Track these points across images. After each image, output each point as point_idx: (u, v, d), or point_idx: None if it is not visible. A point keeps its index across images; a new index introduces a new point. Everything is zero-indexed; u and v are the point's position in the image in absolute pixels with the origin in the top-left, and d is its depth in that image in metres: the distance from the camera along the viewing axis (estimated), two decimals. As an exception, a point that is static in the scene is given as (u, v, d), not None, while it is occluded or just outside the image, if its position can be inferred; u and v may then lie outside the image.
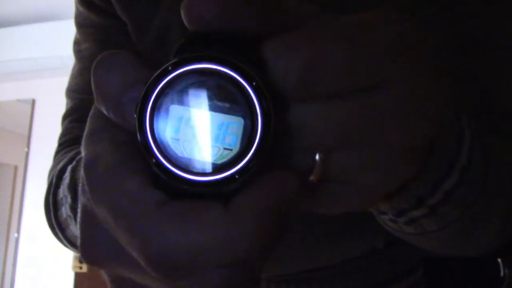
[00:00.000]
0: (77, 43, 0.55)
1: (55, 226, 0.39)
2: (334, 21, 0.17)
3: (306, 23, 0.17)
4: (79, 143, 0.30)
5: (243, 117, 0.16)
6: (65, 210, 0.36)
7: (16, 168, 2.50)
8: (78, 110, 0.51)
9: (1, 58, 2.37)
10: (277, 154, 0.17)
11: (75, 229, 0.36)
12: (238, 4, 0.16)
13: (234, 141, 0.16)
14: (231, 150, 0.16)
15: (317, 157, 0.17)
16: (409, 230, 0.30)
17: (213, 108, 0.16)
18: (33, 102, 2.47)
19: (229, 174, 0.15)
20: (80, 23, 0.54)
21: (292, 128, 0.17)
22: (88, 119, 0.19)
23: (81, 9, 0.53)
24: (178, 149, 0.16)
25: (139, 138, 0.16)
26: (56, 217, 0.38)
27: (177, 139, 0.16)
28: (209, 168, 0.16)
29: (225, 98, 0.16)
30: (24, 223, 2.36)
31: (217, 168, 0.16)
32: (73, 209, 0.34)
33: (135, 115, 0.16)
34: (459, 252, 0.41)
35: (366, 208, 0.22)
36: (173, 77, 0.15)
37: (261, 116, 0.16)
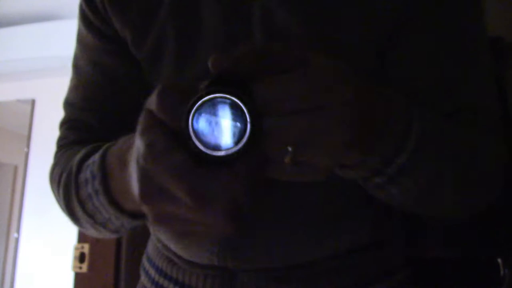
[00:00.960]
0: (75, 58, 0.63)
1: (76, 204, 0.49)
2: (298, 71, 0.30)
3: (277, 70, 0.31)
4: (76, 145, 0.53)
5: (240, 123, 0.29)
6: (87, 189, 0.47)
7: (16, 168, 2.50)
8: (72, 120, 0.60)
9: (1, 58, 2.37)
10: (261, 145, 0.30)
11: (97, 203, 0.46)
12: (239, 61, 0.30)
13: (235, 136, 0.29)
14: (232, 140, 0.29)
15: (289, 149, 0.30)
16: (379, 194, 0.44)
17: (225, 117, 0.29)
18: (33, 102, 2.47)
19: (231, 152, 0.29)
20: (80, 40, 0.62)
21: (268, 132, 0.30)
22: (141, 119, 0.32)
23: (81, 27, 0.60)
24: (206, 138, 0.29)
25: (185, 131, 0.29)
26: (78, 195, 0.48)
27: (205, 133, 0.29)
28: (222, 149, 0.29)
29: (231, 112, 0.29)
30: (24, 223, 2.36)
31: (226, 149, 0.29)
32: (102, 184, 0.45)
33: (184, 119, 0.29)
34: (428, 212, 0.53)
35: (321, 177, 0.34)
36: (205, 100, 0.29)
37: (249, 123, 0.29)
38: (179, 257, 0.60)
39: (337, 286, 0.54)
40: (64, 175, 0.51)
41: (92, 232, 0.53)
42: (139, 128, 0.32)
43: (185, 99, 0.29)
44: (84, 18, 0.58)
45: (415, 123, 0.39)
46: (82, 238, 1.37)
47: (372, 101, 0.35)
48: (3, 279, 2.39)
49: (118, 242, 1.33)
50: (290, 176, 0.33)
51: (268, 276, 0.53)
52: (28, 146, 2.42)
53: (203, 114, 0.29)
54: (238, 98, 0.29)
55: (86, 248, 1.33)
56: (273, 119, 0.30)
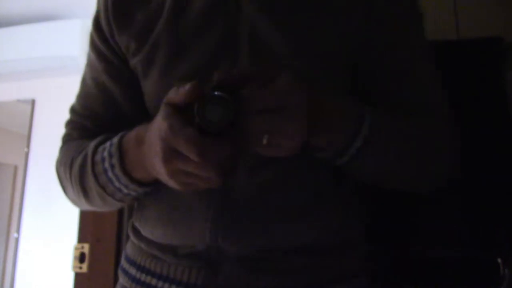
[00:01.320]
0: (84, 73, 0.76)
1: (90, 177, 0.62)
2: (267, 85, 0.48)
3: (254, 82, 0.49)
4: (80, 139, 0.70)
5: (229, 110, 0.46)
6: (103, 165, 0.61)
7: (16, 168, 2.50)
8: (75, 122, 0.74)
9: (1, 58, 2.37)
10: (241, 127, 0.47)
11: (111, 175, 0.61)
12: (231, 77, 0.49)
13: (225, 117, 0.46)
14: (222, 118, 0.46)
15: (265, 136, 0.47)
16: (353, 166, 0.60)
17: (220, 106, 0.46)
18: (33, 102, 2.47)
19: (222, 124, 0.46)
20: (88, 61, 0.76)
21: (249, 124, 0.47)
22: (163, 108, 0.50)
23: (90, 52, 0.74)
24: (210, 118, 0.46)
25: (198, 113, 0.46)
26: (93, 171, 0.62)
27: (209, 115, 0.46)
28: (217, 124, 0.46)
29: (223, 104, 0.46)
30: (24, 223, 2.36)
31: (219, 123, 0.46)
32: (121, 162, 0.60)
33: (197, 106, 0.46)
34: (390, 184, 0.67)
35: (289, 153, 0.51)
36: (211, 96, 0.47)
37: (233, 110, 0.46)
38: (164, 250, 0.64)
39: (311, 281, 0.62)
40: (80, 157, 0.65)
41: (96, 203, 0.66)
42: (161, 114, 0.49)
43: (194, 95, 0.47)
44: (93, 45, 0.73)
45: (367, 115, 0.56)
46: (82, 238, 1.37)
47: (321, 102, 0.52)
48: (3, 279, 2.39)
49: (118, 243, 1.33)
50: (268, 153, 0.50)
51: (250, 269, 0.60)
52: (28, 146, 2.43)
53: (209, 104, 0.46)
54: (228, 96, 0.46)
55: (86, 248, 1.33)
56: (252, 116, 0.46)
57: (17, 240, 2.36)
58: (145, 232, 0.67)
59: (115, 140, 0.61)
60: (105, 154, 0.61)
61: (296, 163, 0.57)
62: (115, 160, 0.59)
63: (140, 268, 0.66)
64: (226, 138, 0.46)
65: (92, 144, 0.64)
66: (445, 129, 0.64)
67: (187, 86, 0.47)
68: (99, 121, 0.71)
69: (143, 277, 0.65)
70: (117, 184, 0.61)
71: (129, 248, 0.71)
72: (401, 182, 0.66)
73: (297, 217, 0.61)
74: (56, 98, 2.39)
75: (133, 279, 0.66)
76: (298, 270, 0.61)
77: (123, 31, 0.68)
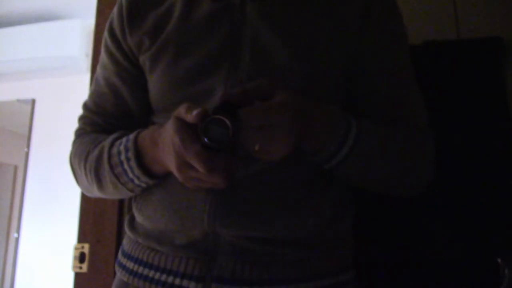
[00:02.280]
0: (97, 72, 0.83)
1: (106, 166, 0.69)
2: (261, 104, 0.57)
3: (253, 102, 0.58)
4: (93, 133, 0.80)
5: (227, 130, 0.54)
6: (119, 158, 0.68)
7: (16, 168, 2.50)
8: (87, 117, 0.82)
9: (1, 58, 2.37)
10: (239, 143, 0.56)
11: (126, 167, 0.68)
12: (231, 97, 0.57)
13: (225, 136, 0.55)
14: (223, 140, 0.55)
15: (256, 145, 0.56)
16: (339, 170, 0.66)
17: (221, 127, 0.55)
18: (33, 102, 2.47)
19: (224, 143, 0.55)
20: (101, 62, 0.82)
21: (246, 137, 0.56)
22: (173, 123, 0.58)
23: (103, 54, 0.81)
24: (213, 137, 0.55)
25: (202, 134, 0.55)
26: (109, 162, 0.69)
27: (212, 134, 0.55)
28: (218, 143, 0.55)
29: (224, 124, 0.55)
30: (24, 223, 2.36)
31: (221, 141, 0.55)
32: (136, 156, 0.66)
33: (201, 128, 0.55)
34: (373, 187, 0.73)
35: (279, 158, 0.58)
36: (212, 118, 0.55)
37: (231, 129, 0.54)
38: (161, 242, 0.67)
39: (302, 275, 0.66)
40: (96, 150, 0.72)
41: (108, 192, 0.73)
42: (173, 127, 0.57)
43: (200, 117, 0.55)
44: (106, 48, 0.80)
45: (353, 127, 0.63)
46: (82, 238, 1.36)
47: (311, 114, 0.60)
48: (3, 279, 2.39)
49: (118, 243, 1.33)
50: (261, 156, 0.57)
51: (243, 261, 0.64)
52: (28, 146, 2.42)
53: (211, 125, 0.54)
54: (227, 119, 0.54)
55: (86, 248, 1.33)
56: (249, 130, 0.55)
57: (17, 240, 2.36)
58: (144, 217, 0.70)
59: (132, 136, 0.68)
60: (121, 148, 0.68)
61: (289, 159, 0.61)
62: (131, 154, 0.67)
63: (138, 261, 0.69)
64: (228, 151, 0.56)
65: (110, 139, 0.72)
66: (423, 138, 0.72)
67: (196, 112, 0.55)
68: (109, 118, 0.79)
69: (140, 269, 0.68)
70: (130, 175, 0.68)
71: (126, 244, 0.75)
72: (382, 186, 0.73)
73: (290, 209, 0.66)
74: (56, 98, 2.39)
75: (130, 272, 0.69)
76: (290, 263, 0.65)
77: (137, 30, 0.74)
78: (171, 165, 0.60)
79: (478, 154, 0.97)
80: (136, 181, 0.68)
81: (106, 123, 0.79)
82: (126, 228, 0.75)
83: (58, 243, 2.16)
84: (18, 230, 2.37)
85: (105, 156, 0.69)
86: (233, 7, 0.70)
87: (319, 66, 0.68)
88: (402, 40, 0.75)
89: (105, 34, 0.80)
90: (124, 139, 0.69)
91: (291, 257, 0.66)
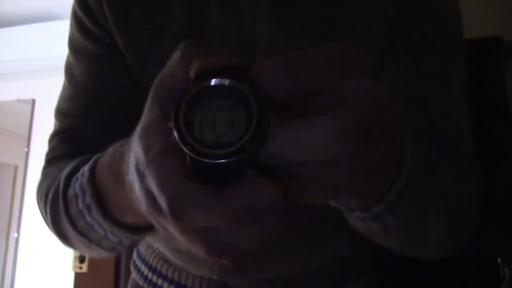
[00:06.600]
0: (69, 66, 0.61)
1: (65, 222, 0.44)
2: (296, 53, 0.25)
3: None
4: (68, 158, 0.46)
5: (241, 113, 0.22)
6: (77, 205, 0.41)
7: (16, 168, 2.50)
8: (67, 131, 0.56)
9: (1, 58, 2.37)
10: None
11: (89, 219, 0.41)
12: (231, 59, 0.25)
13: (239, 128, 0.22)
14: (236, 134, 0.22)
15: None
16: (374, 227, 0.39)
17: (222, 109, 0.22)
18: (33, 102, 2.47)
19: (240, 145, 0.21)
20: (75, 48, 0.60)
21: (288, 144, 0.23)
22: (144, 117, 0.27)
23: (76, 34, 0.59)
24: (205, 135, 0.22)
25: (176, 134, 0.23)
26: (67, 213, 0.43)
27: (203, 133, 0.22)
28: (225, 145, 0.22)
29: (229, 105, 0.22)
30: (24, 223, 2.36)
31: (230, 144, 0.22)
32: (94, 199, 0.39)
33: (172, 117, 0.23)
34: (413, 251, 0.49)
35: (337, 197, 0.34)
36: (194, 94, 0.23)
37: (256, 110, 0.22)
38: (175, 255, 0.62)
39: (317, 286, 0.60)
40: (51, 191, 0.46)
41: (86, 253, 0.50)
42: (140, 125, 0.28)
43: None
44: (79, 25, 0.57)
45: (408, 147, 0.35)
46: (82, 238, 1.36)
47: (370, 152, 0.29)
48: (3, 279, 2.39)
49: (118, 242, 1.33)
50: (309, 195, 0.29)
51: (259, 284, 0.58)
52: (28, 146, 2.42)
53: (196, 113, 0.22)
54: (237, 82, 0.22)
55: (86, 248, 1.33)
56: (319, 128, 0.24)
57: (17, 240, 2.35)
58: (159, 245, 0.65)
59: (87, 166, 0.41)
60: (77, 188, 0.42)
61: None
62: (89, 199, 0.40)
63: (152, 269, 0.65)
64: (242, 183, 0.23)
65: (67, 171, 0.45)
66: (474, 177, 0.50)
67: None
68: (105, 125, 0.55)
69: (154, 278, 0.64)
70: (100, 231, 0.42)
71: (142, 244, 0.69)
72: (423, 242, 0.48)
73: (306, 247, 0.59)
74: (56, 98, 2.38)
75: (145, 279, 0.66)
76: (306, 280, 0.60)
77: (117, 21, 0.55)
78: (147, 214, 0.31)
79: (477, 154, 0.97)
80: (113, 238, 0.42)
81: (97, 127, 0.55)
82: None
83: (58, 243, 2.16)
84: (18, 230, 2.37)
85: (61, 202, 0.44)
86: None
87: None
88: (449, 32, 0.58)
89: (76, 10, 0.59)
90: (80, 171, 0.42)
91: (305, 275, 0.61)
